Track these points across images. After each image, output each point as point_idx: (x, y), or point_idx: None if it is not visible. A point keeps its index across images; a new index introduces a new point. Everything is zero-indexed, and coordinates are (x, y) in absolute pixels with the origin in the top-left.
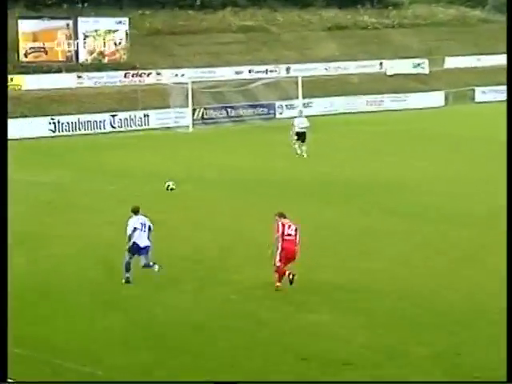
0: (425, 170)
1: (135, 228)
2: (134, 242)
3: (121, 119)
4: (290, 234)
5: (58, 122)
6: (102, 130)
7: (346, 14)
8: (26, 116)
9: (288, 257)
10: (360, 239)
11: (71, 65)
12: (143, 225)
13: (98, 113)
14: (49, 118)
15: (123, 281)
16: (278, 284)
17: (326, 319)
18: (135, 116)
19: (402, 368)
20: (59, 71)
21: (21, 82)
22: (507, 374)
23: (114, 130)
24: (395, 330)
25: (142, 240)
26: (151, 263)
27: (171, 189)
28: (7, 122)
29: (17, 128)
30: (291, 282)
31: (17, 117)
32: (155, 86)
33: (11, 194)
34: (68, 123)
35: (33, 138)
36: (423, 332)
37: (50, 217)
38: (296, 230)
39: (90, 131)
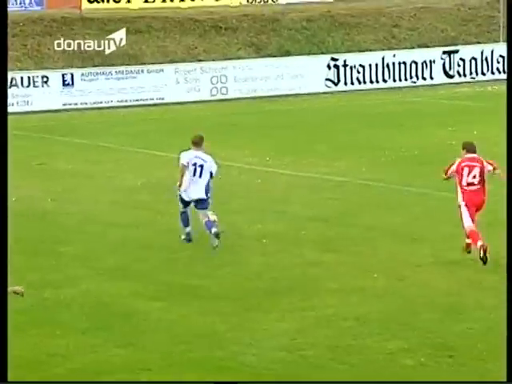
0: None
1: (183, 166)
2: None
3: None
4: (471, 183)
5: (344, 66)
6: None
7: None
8: (286, 53)
9: (472, 210)
10: None
11: None
12: (197, 166)
13: (427, 46)
14: (327, 57)
15: (182, 237)
16: (468, 242)
17: None
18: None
19: None
20: None
21: None
22: (507, 373)
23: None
24: None
25: (191, 188)
26: (213, 228)
27: None
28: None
29: (272, 79)
30: (483, 260)
31: (269, 55)
32: None
33: None
34: (363, 67)
35: (300, 96)
36: None
37: None
38: (481, 173)
39: (409, 83)
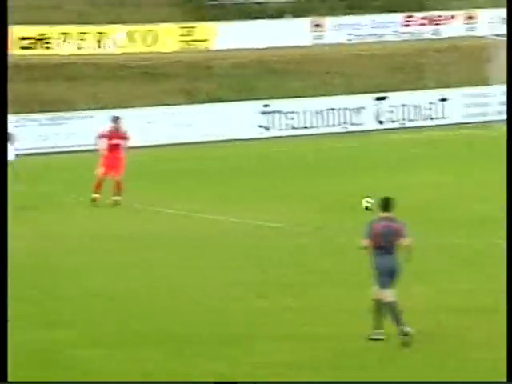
0: None
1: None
2: None
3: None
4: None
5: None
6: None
7: None
8: (218, 100)
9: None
10: None
11: None
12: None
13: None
14: (259, 103)
15: None
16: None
17: None
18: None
19: None
20: None
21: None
22: (507, 374)
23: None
24: None
25: None
26: None
27: (367, 208)
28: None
29: None
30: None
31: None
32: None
33: None
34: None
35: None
36: None
37: None
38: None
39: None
